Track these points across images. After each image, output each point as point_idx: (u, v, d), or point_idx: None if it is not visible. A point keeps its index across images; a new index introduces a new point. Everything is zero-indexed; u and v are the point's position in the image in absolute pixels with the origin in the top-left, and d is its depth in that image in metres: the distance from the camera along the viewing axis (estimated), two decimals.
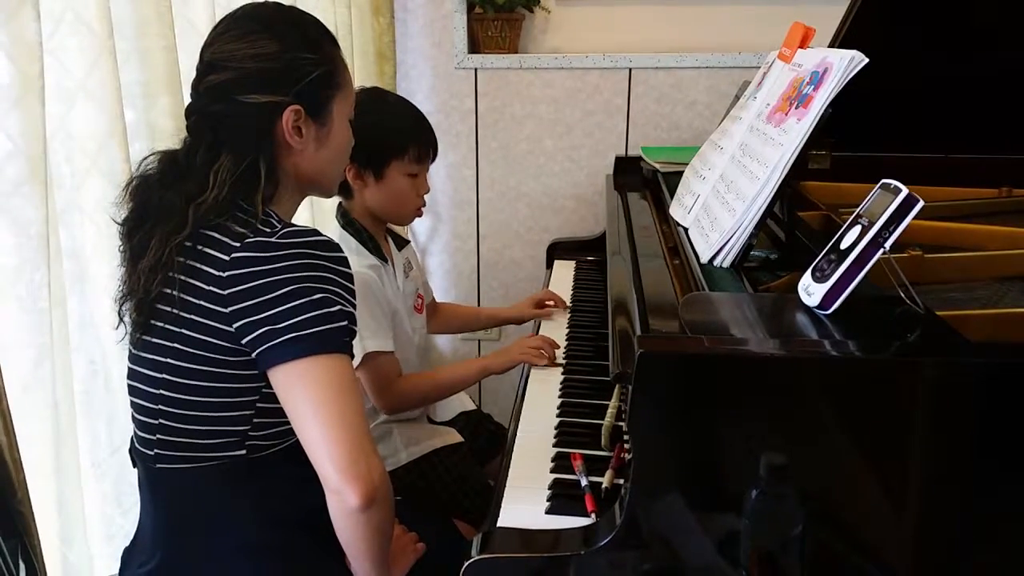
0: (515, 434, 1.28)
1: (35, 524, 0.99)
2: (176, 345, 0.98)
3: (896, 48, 1.31)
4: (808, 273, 0.92)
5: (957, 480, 0.84)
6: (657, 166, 1.96)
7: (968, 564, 0.86)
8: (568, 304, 1.85)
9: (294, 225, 1.00)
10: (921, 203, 0.85)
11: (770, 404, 0.84)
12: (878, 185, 0.90)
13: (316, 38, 1.06)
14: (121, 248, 1.05)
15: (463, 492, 1.54)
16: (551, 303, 1.84)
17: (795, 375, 0.83)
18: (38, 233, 1.04)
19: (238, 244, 0.96)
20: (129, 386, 1.06)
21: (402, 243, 1.63)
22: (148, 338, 1.01)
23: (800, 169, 1.14)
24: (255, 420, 1.01)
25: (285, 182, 1.07)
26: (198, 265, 0.97)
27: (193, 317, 0.97)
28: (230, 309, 0.95)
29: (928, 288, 1.06)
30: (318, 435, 0.93)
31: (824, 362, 0.84)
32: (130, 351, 1.05)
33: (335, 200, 1.49)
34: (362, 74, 2.11)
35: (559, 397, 1.40)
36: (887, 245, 0.85)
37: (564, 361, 1.55)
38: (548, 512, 1.06)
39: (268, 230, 0.97)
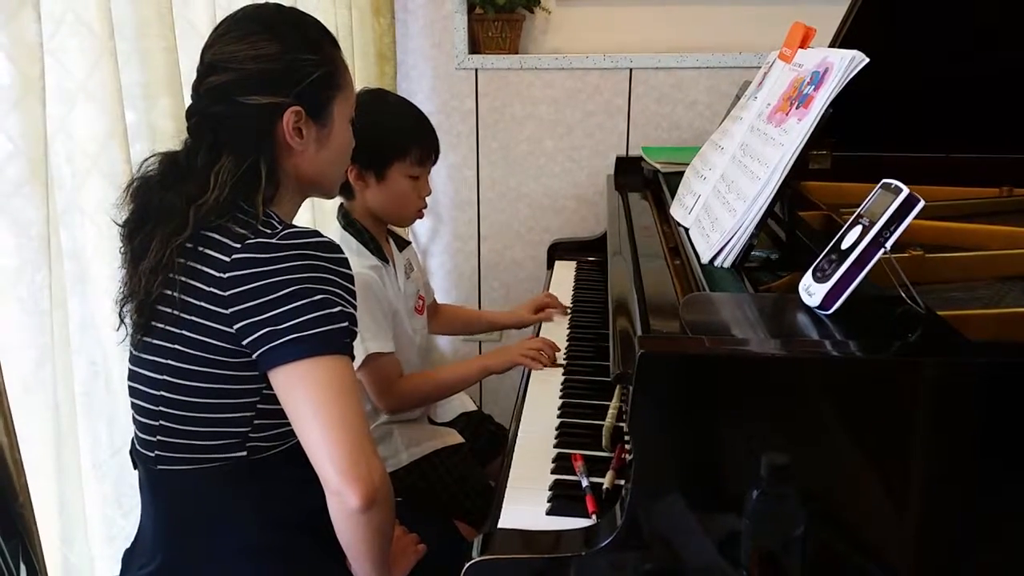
0: (516, 435, 1.28)
1: (36, 525, 0.99)
2: (177, 346, 0.98)
3: (896, 48, 1.31)
4: (809, 273, 0.92)
5: (958, 480, 0.84)
6: (658, 166, 1.96)
7: (969, 564, 0.86)
8: (568, 306, 1.84)
9: (295, 226, 1.00)
10: (922, 203, 0.85)
11: (771, 404, 0.84)
12: (879, 185, 0.90)
13: (317, 39, 1.06)
14: (122, 249, 1.05)
15: (464, 493, 1.53)
16: (551, 307, 1.82)
17: (796, 375, 0.83)
18: (39, 234, 1.04)
19: (239, 245, 0.96)
20: (130, 387, 1.06)
21: (403, 244, 1.63)
22: (149, 339, 1.01)
23: (801, 169, 1.14)
24: (256, 421, 1.01)
25: (286, 183, 1.07)
26: (199, 266, 0.97)
27: (194, 318, 0.97)
28: (231, 310, 0.95)
29: (929, 288, 1.06)
30: (319, 436, 0.93)
31: (825, 362, 0.84)
32: (131, 352, 1.05)
33: (336, 201, 1.49)
34: (362, 75, 2.11)
35: (560, 398, 1.40)
36: (888, 245, 0.85)
37: (565, 362, 1.55)
38: (549, 513, 1.06)
39: (269, 231, 0.97)
